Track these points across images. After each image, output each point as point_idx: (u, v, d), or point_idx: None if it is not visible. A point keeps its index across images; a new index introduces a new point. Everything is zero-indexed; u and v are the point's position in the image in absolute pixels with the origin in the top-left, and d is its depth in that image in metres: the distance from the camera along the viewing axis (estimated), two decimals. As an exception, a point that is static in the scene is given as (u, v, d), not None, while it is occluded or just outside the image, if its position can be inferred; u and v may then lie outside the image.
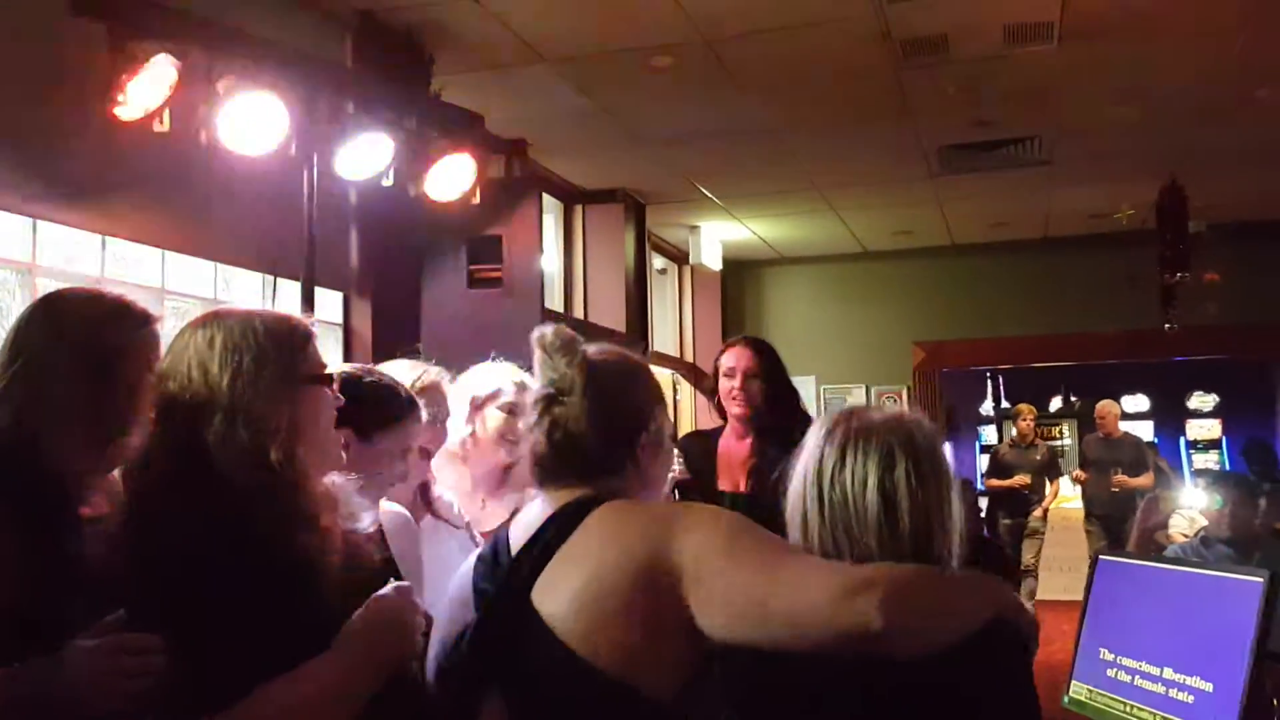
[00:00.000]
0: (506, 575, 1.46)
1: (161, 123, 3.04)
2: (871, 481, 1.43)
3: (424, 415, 2.13)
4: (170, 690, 1.27)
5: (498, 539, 1.57)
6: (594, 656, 1.33)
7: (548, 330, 1.57)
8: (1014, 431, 8.95)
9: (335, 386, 1.57)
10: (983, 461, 12.06)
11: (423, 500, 2.34)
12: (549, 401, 1.55)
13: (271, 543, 1.38)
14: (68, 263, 3.36)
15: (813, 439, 1.51)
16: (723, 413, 3.35)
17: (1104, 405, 8.64)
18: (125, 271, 3.58)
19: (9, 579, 1.43)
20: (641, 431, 1.56)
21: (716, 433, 3.40)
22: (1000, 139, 6.14)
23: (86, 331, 1.63)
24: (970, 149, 6.29)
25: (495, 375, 2.60)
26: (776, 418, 3.18)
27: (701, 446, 3.34)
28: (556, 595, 1.39)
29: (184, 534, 1.35)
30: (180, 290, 3.81)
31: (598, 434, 1.52)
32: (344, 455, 1.63)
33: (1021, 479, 8.37)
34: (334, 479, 1.55)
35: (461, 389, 2.57)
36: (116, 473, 1.62)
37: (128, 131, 3.03)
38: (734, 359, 3.28)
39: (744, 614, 1.32)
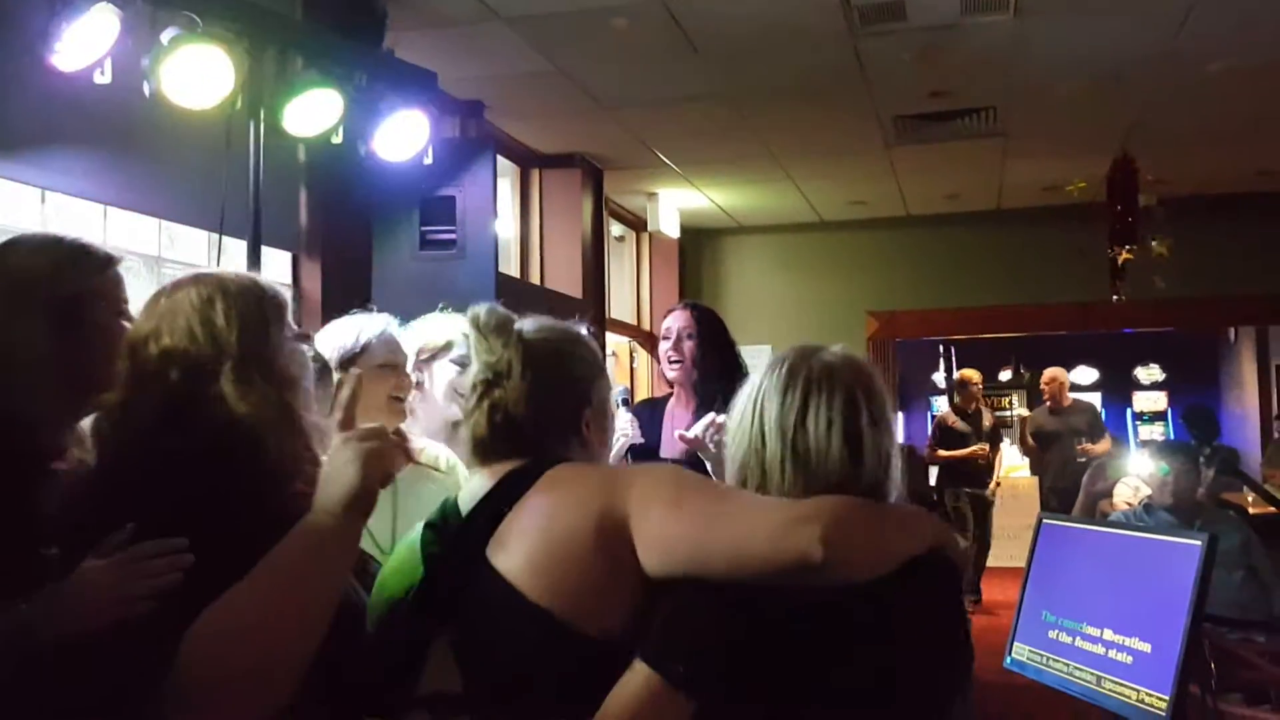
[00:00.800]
0: (458, 533, 1.46)
1: (103, 74, 2.95)
2: (837, 428, 1.43)
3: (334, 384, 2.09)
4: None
5: (445, 506, 1.56)
6: (551, 603, 1.35)
7: (481, 310, 1.55)
8: (957, 398, 8.50)
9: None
10: (934, 431, 12.21)
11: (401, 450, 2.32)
12: (488, 385, 1.53)
13: (270, 493, 1.39)
14: (5, 216, 3.28)
15: (768, 381, 1.50)
16: (668, 380, 3.36)
17: (1050, 373, 8.18)
18: (65, 227, 3.50)
19: None
20: (585, 407, 1.57)
21: (665, 400, 3.40)
22: (955, 110, 6.16)
23: (46, 279, 1.58)
24: (925, 119, 6.31)
25: (446, 327, 2.55)
26: (713, 379, 3.17)
27: (650, 414, 3.34)
28: (512, 550, 1.39)
29: (181, 484, 1.34)
30: (122, 247, 3.73)
31: (540, 415, 1.52)
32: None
33: (981, 448, 8.02)
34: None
35: (410, 340, 2.53)
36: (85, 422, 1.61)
37: (68, 82, 2.94)
38: (671, 321, 3.30)
39: (683, 554, 1.34)
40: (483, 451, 1.53)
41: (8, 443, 1.49)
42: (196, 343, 1.43)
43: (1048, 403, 8.20)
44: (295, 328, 1.56)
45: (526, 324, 1.57)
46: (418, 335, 2.54)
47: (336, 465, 1.36)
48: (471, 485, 1.54)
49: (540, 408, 1.51)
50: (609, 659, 1.33)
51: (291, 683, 1.28)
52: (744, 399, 1.52)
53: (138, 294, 3.77)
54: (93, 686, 1.30)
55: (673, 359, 3.25)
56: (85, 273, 1.62)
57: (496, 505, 1.44)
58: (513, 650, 1.37)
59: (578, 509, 1.39)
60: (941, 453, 8.22)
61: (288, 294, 1.58)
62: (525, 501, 1.43)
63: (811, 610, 1.34)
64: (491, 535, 1.42)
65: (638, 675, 1.31)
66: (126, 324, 1.64)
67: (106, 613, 1.28)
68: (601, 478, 1.45)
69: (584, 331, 1.65)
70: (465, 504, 1.51)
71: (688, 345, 3.24)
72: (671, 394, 3.39)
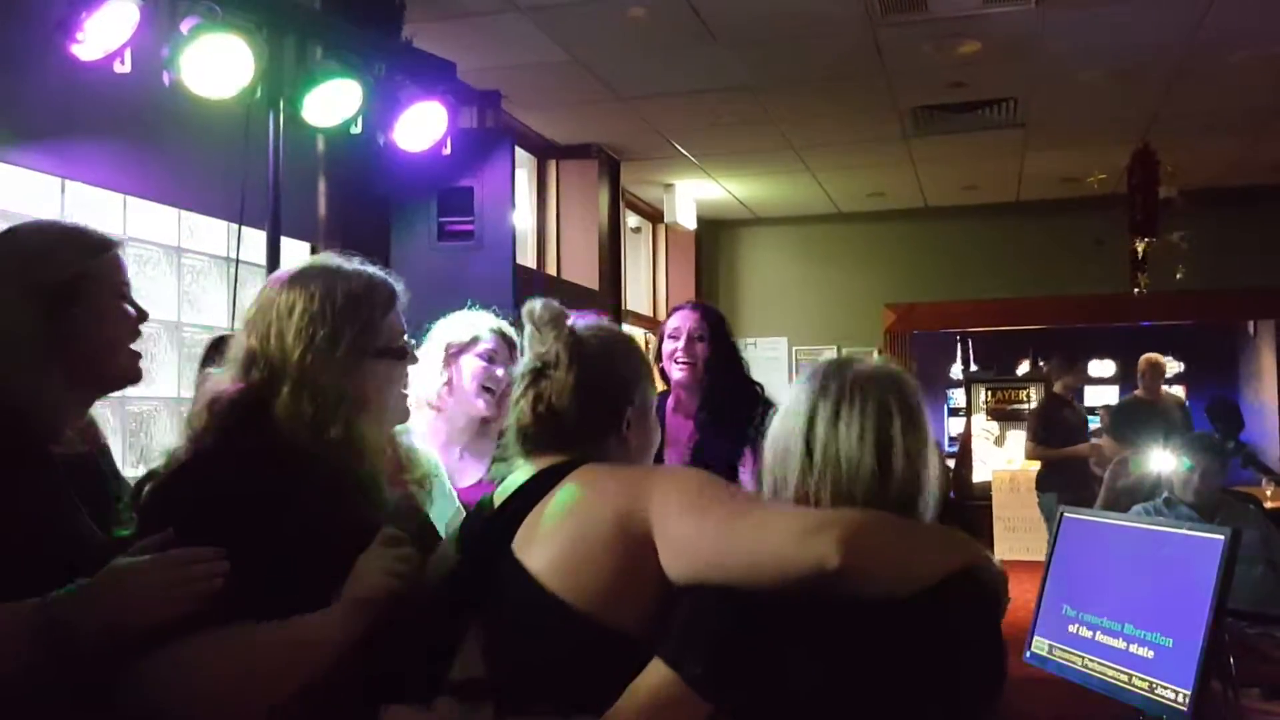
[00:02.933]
0: (487, 525, 1.51)
1: (123, 63, 2.96)
2: (869, 438, 1.41)
3: None
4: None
5: (482, 503, 1.60)
6: (573, 598, 1.37)
7: (536, 304, 1.59)
8: (1061, 383, 7.05)
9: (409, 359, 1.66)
10: (952, 424, 12.13)
11: None
12: (535, 375, 1.57)
13: (325, 512, 1.45)
14: (25, 206, 3.29)
15: (803, 392, 1.49)
16: (666, 378, 3.32)
17: (1151, 359, 6.80)
18: (85, 216, 3.50)
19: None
20: (627, 405, 1.59)
21: (663, 399, 3.35)
22: (975, 101, 6.13)
23: (37, 263, 1.56)
24: (945, 110, 6.27)
25: (472, 323, 2.52)
26: (720, 384, 3.15)
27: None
28: (536, 544, 1.42)
29: (235, 492, 1.43)
30: (142, 237, 3.75)
31: (582, 407, 1.54)
32: (409, 412, 1.71)
33: (1100, 443, 6.69)
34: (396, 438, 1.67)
35: (436, 337, 2.51)
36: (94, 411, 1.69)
37: (88, 72, 2.96)
38: (680, 321, 3.24)
39: (703, 560, 1.35)
40: (525, 441, 1.57)
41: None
42: (270, 351, 1.51)
43: (1140, 393, 6.89)
44: (395, 341, 1.61)
45: (579, 322, 1.61)
46: (444, 331, 2.52)
47: (369, 568, 1.45)
48: (510, 479, 1.57)
49: (583, 401, 1.54)
50: (629, 653, 1.33)
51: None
52: (782, 410, 1.51)
53: (156, 284, 3.78)
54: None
55: (681, 360, 3.20)
56: (80, 255, 1.59)
57: (526, 500, 1.48)
58: (535, 641, 1.39)
59: (601, 507, 1.41)
60: (1064, 449, 6.65)
61: (397, 289, 1.64)
62: (552, 497, 1.46)
63: (836, 623, 1.32)
64: (517, 529, 1.45)
65: (655, 673, 1.31)
66: (129, 307, 1.64)
67: (154, 611, 1.32)
68: (626, 478, 1.47)
69: (634, 338, 1.70)
70: (500, 498, 1.54)
71: (699, 347, 3.19)
72: (667, 392, 3.34)
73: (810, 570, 1.27)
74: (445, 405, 2.50)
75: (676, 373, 3.22)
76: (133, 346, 1.64)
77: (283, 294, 1.54)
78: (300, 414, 1.48)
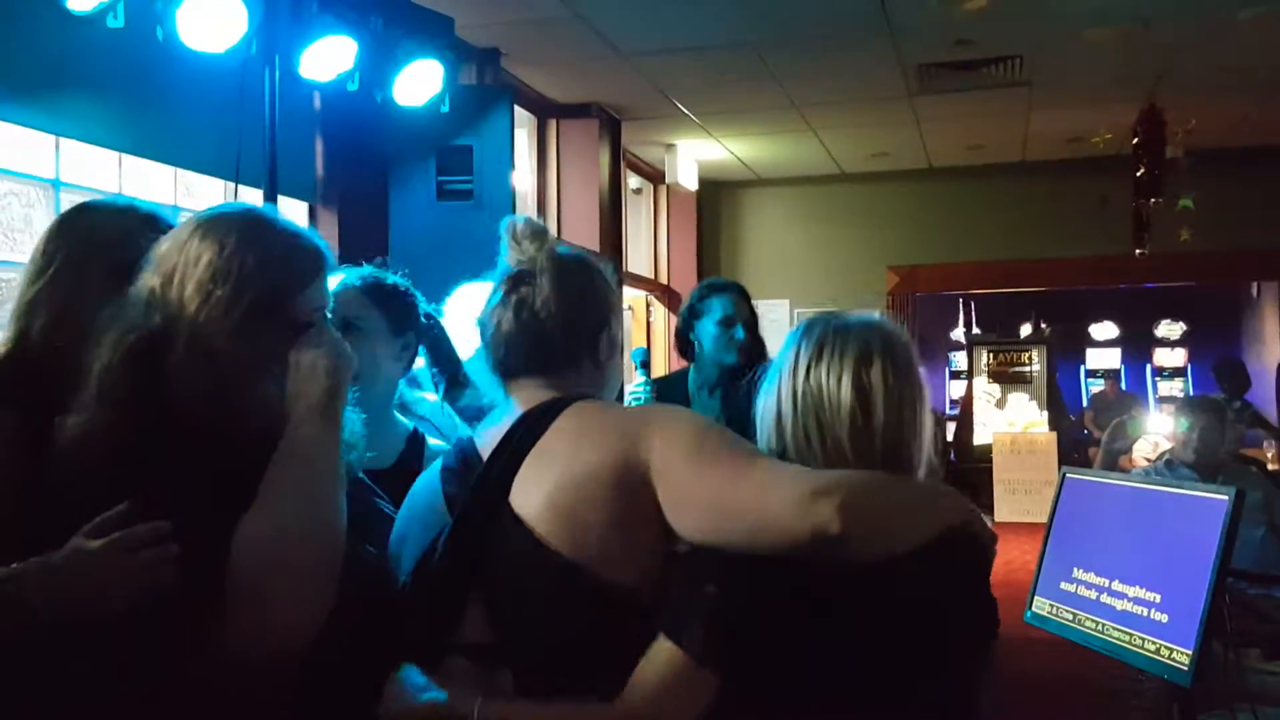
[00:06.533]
0: (479, 478, 1.45)
1: (116, 17, 2.91)
2: (846, 377, 1.42)
3: None
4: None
5: (463, 447, 1.55)
6: (571, 551, 1.34)
7: (518, 219, 1.57)
8: None
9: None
10: (954, 388, 12.10)
11: None
12: (517, 281, 1.53)
13: (228, 481, 1.34)
14: (20, 163, 3.25)
15: (789, 339, 1.51)
16: (683, 353, 3.31)
17: None
18: (81, 174, 3.47)
19: (15, 488, 1.38)
20: (604, 329, 1.56)
21: (682, 378, 3.35)
22: (980, 58, 6.05)
23: (120, 241, 1.57)
24: (950, 68, 6.20)
25: None
26: (753, 361, 3.17)
27: (669, 395, 3.26)
28: (531, 494, 1.38)
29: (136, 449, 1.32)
30: (137, 196, 3.71)
31: (564, 320, 1.51)
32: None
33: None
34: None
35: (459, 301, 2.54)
36: None
37: (80, 26, 2.91)
38: (732, 310, 3.25)
39: (704, 516, 1.34)
40: (507, 356, 1.52)
41: (59, 403, 1.45)
42: (168, 295, 1.39)
43: None
44: (305, 317, 1.45)
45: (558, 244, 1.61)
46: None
47: (303, 376, 1.39)
48: (491, 423, 1.53)
49: (565, 313, 1.51)
50: (633, 609, 1.33)
51: (331, 581, 1.31)
52: (776, 357, 1.52)
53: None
54: (101, 659, 1.28)
55: (743, 347, 3.23)
56: (151, 239, 1.57)
57: (515, 446, 1.43)
58: (536, 601, 1.36)
59: (598, 454, 1.37)
60: None
61: (326, 259, 1.49)
62: (544, 444, 1.42)
63: (831, 584, 1.33)
64: (512, 479, 1.41)
65: (660, 651, 1.31)
66: None
67: (111, 599, 1.26)
68: (623, 421, 1.44)
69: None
70: (485, 445, 1.49)
71: (750, 337, 3.23)
72: (685, 370, 3.35)
73: (811, 536, 1.27)
74: None
75: (730, 358, 3.23)
76: None
77: (194, 239, 1.41)
78: (194, 380, 1.36)
